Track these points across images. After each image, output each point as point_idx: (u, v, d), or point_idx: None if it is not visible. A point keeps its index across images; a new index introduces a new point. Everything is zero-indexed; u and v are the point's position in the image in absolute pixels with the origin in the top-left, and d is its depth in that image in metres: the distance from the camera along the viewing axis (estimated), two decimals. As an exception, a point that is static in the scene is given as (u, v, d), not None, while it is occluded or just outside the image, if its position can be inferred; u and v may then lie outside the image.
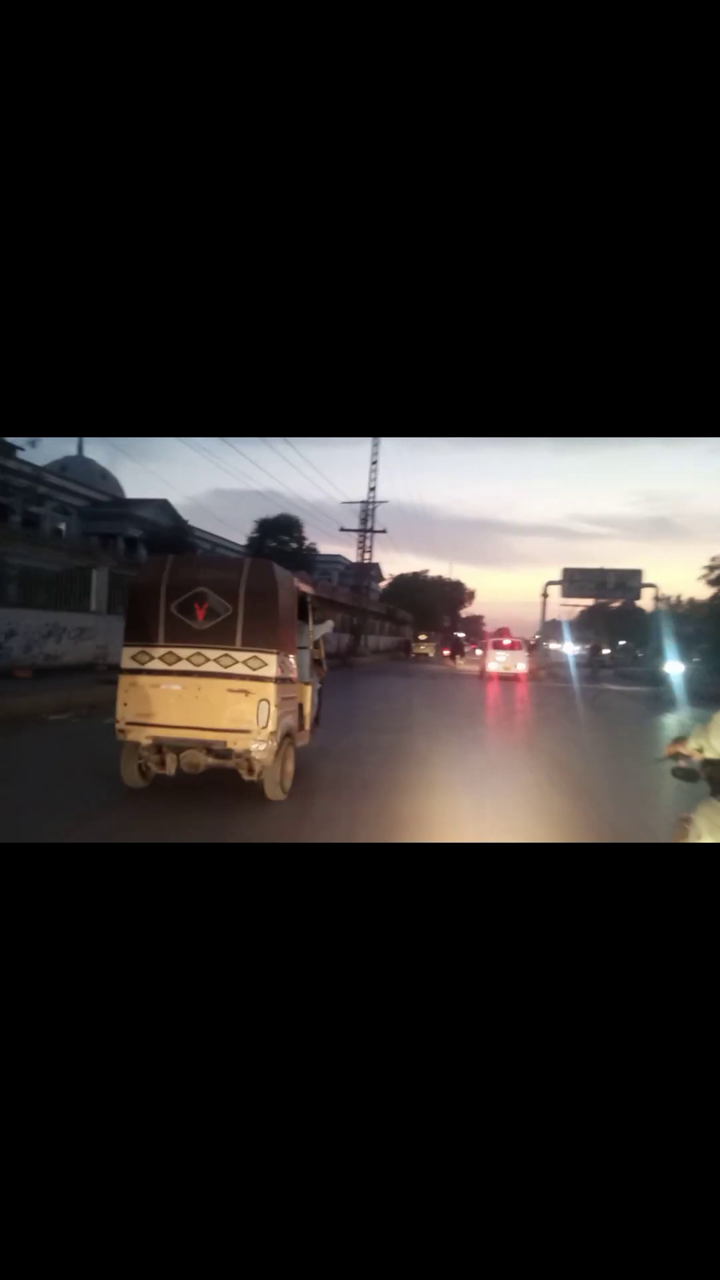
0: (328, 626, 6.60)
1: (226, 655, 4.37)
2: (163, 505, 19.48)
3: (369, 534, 31.04)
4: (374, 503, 29.90)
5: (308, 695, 5.47)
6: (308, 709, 5.49)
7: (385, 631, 40.15)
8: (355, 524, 30.69)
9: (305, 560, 26.26)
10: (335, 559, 36.54)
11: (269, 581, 4.49)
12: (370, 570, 40.24)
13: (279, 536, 26.08)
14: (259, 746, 4.27)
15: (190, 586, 4.47)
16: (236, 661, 4.35)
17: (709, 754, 1.82)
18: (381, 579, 46.79)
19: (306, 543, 27.58)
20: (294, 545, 26.38)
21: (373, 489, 30.15)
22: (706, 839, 1.78)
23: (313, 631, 5.81)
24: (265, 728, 4.26)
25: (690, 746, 1.89)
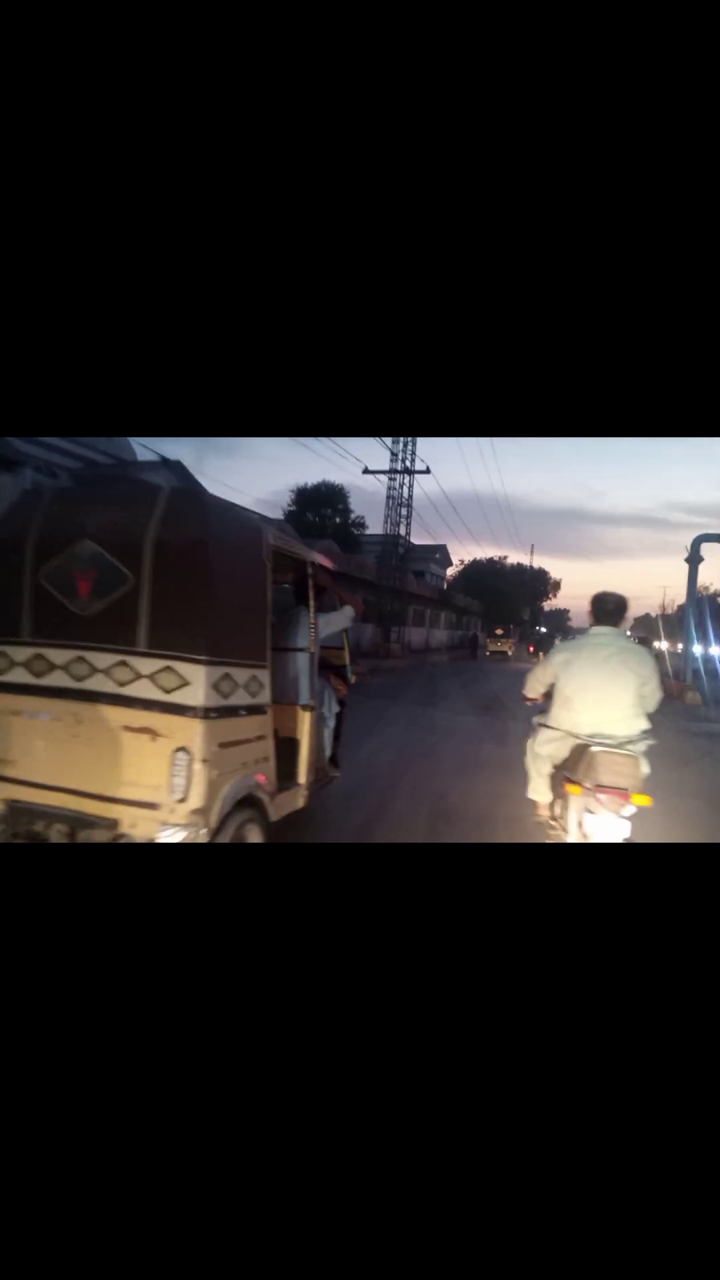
0: (346, 615, 4.35)
1: (123, 664, 2.58)
2: (175, 467, 17.71)
3: (405, 474, 21.64)
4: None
5: (305, 727, 3.55)
6: (306, 750, 3.54)
7: (442, 624, 37.75)
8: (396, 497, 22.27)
9: (351, 538, 24.38)
10: (390, 539, 33.90)
11: (196, 526, 2.58)
12: (433, 553, 37.66)
13: (320, 509, 24.25)
14: (172, 835, 2.45)
15: (70, 541, 2.69)
16: (138, 675, 2.55)
17: (530, 694, 3.25)
18: (449, 564, 44.46)
19: (354, 516, 25.55)
20: (337, 520, 24.55)
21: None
22: (533, 747, 3.22)
23: (316, 624, 3.78)
24: (183, 801, 2.45)
25: (526, 693, 3.29)
